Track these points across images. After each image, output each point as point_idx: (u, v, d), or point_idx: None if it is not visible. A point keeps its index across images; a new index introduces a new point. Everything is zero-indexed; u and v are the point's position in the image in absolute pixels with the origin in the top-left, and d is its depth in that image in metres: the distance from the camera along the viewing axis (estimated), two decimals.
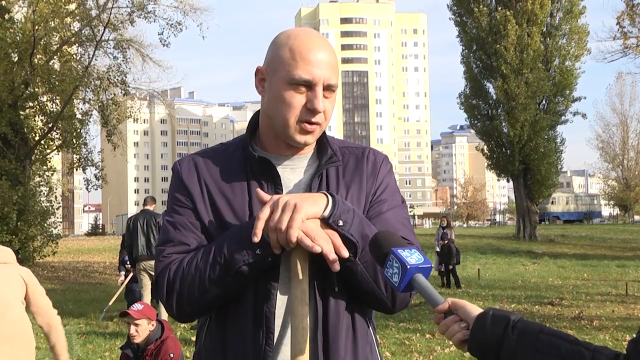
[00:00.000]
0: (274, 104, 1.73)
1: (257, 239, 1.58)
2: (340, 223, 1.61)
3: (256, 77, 1.81)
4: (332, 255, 1.57)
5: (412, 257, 1.51)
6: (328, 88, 1.72)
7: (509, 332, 1.40)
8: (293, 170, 1.80)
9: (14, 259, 4.26)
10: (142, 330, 4.76)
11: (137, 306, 4.83)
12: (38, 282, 4.24)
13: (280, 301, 1.68)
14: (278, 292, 1.68)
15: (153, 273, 7.02)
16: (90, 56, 22.48)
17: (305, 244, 1.56)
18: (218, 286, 1.66)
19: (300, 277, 1.62)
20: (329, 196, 1.64)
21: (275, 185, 1.75)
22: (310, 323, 1.68)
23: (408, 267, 1.48)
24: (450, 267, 16.45)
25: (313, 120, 1.71)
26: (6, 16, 20.17)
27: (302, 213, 1.56)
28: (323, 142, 1.83)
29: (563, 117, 36.95)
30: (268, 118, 1.78)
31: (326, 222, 1.61)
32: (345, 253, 1.60)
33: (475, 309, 1.49)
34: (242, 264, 1.61)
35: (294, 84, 1.69)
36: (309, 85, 1.69)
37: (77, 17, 22.44)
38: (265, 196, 1.64)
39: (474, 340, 1.45)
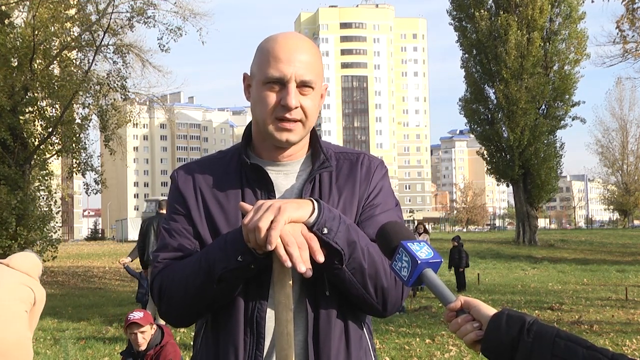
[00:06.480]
0: (255, 106, 1.77)
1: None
2: (325, 231, 1.58)
3: (244, 84, 1.84)
4: (299, 266, 1.53)
5: (422, 251, 1.47)
6: (303, 84, 1.72)
7: (524, 334, 1.37)
8: (286, 176, 1.81)
9: (32, 272, 3.44)
10: (147, 336, 4.80)
11: (137, 314, 4.81)
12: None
13: (272, 306, 1.67)
14: (269, 297, 1.68)
15: None
16: (90, 61, 22.48)
17: (279, 253, 1.53)
18: (203, 292, 1.66)
19: (283, 282, 1.60)
20: (314, 202, 1.62)
21: (268, 191, 1.76)
22: (301, 328, 1.68)
23: (419, 261, 1.44)
24: (461, 269, 16.81)
25: (289, 116, 1.71)
26: (6, 21, 20.18)
27: (285, 216, 1.54)
28: (317, 147, 1.83)
29: (562, 122, 37.04)
30: (255, 122, 1.81)
31: (310, 230, 1.60)
32: (320, 258, 1.57)
33: (489, 309, 1.45)
34: (223, 270, 1.60)
35: (267, 83, 1.71)
36: (282, 83, 1.70)
37: (77, 22, 22.42)
38: (249, 207, 1.62)
39: (488, 342, 1.41)
